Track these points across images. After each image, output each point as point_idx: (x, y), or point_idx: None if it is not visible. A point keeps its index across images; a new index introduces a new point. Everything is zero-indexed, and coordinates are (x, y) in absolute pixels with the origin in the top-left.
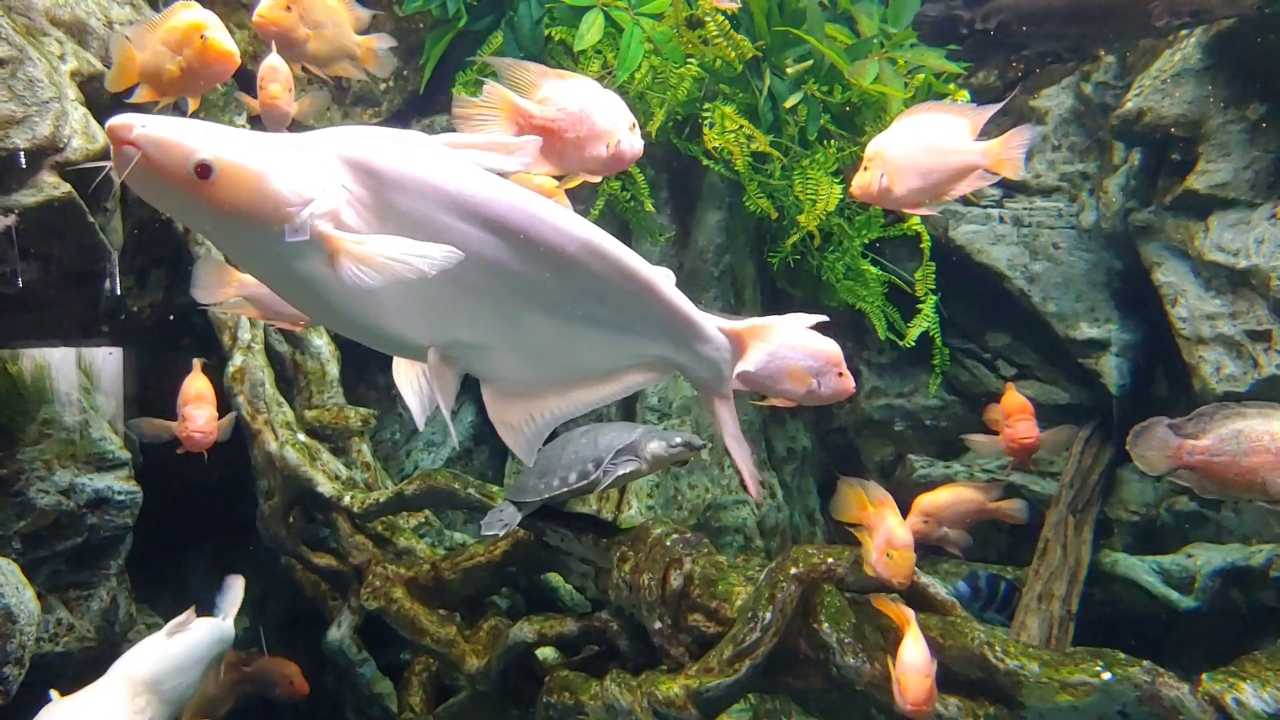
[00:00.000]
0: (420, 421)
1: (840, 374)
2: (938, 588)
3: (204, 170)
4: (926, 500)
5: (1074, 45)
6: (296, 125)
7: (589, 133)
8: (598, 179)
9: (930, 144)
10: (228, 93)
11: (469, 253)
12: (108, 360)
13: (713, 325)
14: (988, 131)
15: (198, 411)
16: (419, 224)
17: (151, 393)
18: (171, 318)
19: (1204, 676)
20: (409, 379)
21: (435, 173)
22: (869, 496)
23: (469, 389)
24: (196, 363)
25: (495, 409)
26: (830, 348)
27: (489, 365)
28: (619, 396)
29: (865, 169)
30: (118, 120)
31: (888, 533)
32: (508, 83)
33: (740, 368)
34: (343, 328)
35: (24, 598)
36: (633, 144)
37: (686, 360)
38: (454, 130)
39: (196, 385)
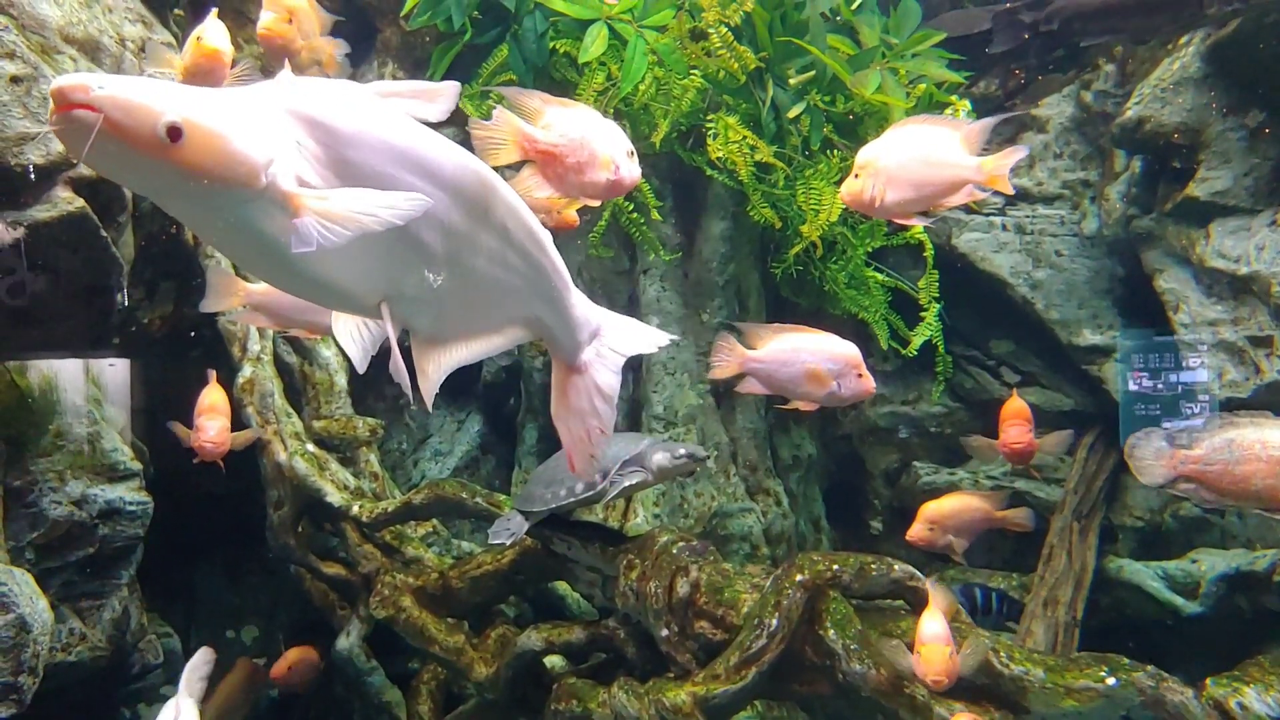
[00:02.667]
0: (362, 367)
1: (860, 375)
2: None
3: (174, 133)
4: (932, 508)
5: (1133, 36)
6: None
7: (589, 158)
8: (597, 203)
9: (925, 156)
10: None
11: None
12: (115, 372)
13: (579, 296)
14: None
15: (210, 423)
16: (373, 178)
17: (161, 404)
18: (182, 330)
19: (1208, 681)
20: (349, 329)
21: (385, 127)
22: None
23: (475, 397)
24: (211, 374)
25: (420, 358)
26: (849, 350)
27: (422, 317)
28: (504, 349)
29: (856, 177)
30: (68, 81)
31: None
32: (515, 109)
33: (626, 351)
34: (295, 287)
35: (38, 608)
36: (631, 171)
37: (555, 322)
38: (461, 143)
39: (210, 397)
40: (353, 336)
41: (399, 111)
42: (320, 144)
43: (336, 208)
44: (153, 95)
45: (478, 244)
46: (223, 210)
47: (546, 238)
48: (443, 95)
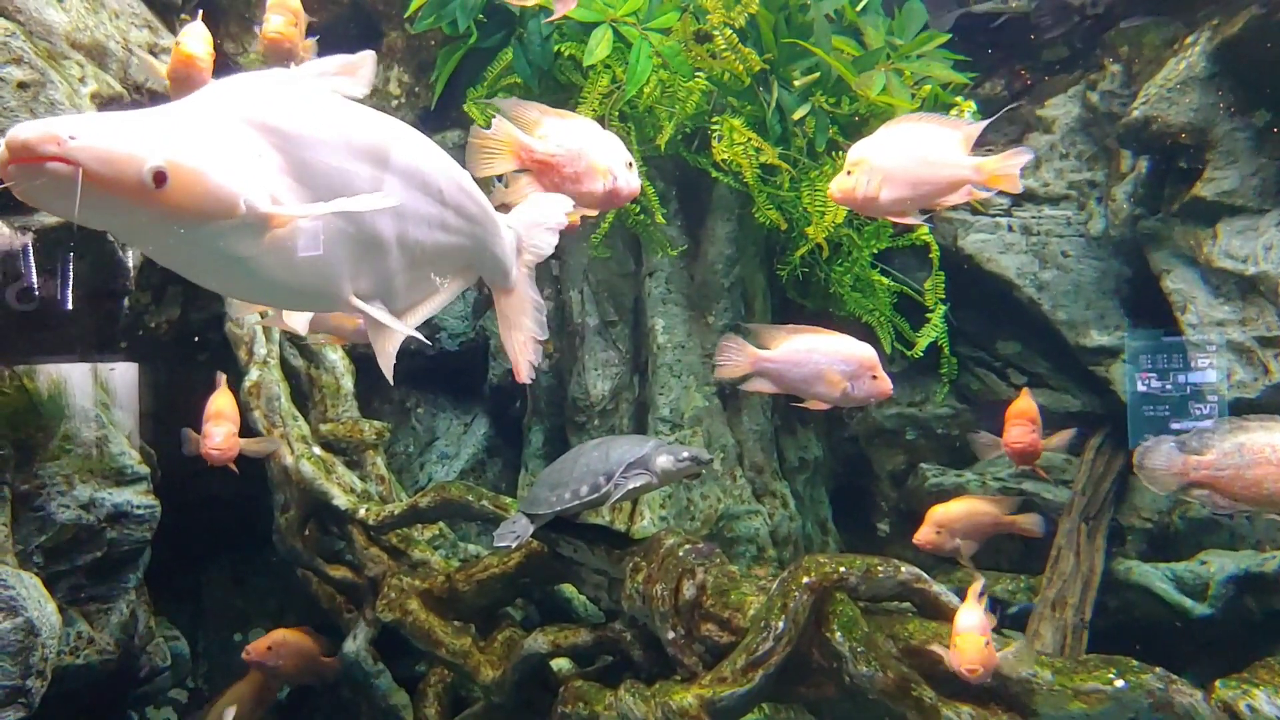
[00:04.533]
0: (304, 329)
1: (874, 377)
2: (950, 596)
3: (160, 178)
4: (939, 512)
5: (1174, 15)
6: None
7: (586, 169)
8: (594, 213)
9: (922, 154)
10: None
11: (370, 193)
12: (122, 376)
13: (501, 221)
14: (992, 139)
15: (216, 429)
16: (330, 175)
17: (169, 408)
18: (189, 333)
19: (1217, 683)
20: (306, 317)
21: (332, 120)
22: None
23: (481, 400)
24: (221, 378)
25: (378, 339)
26: (864, 352)
27: (389, 296)
28: (447, 303)
29: (848, 174)
30: (32, 132)
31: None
32: (513, 119)
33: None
34: (266, 297)
35: (45, 611)
36: (629, 182)
37: (490, 260)
38: (465, 147)
39: (218, 403)
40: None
41: (333, 94)
42: (278, 151)
43: (322, 211)
44: (130, 140)
45: (421, 216)
46: (199, 242)
47: (470, 183)
48: (362, 67)
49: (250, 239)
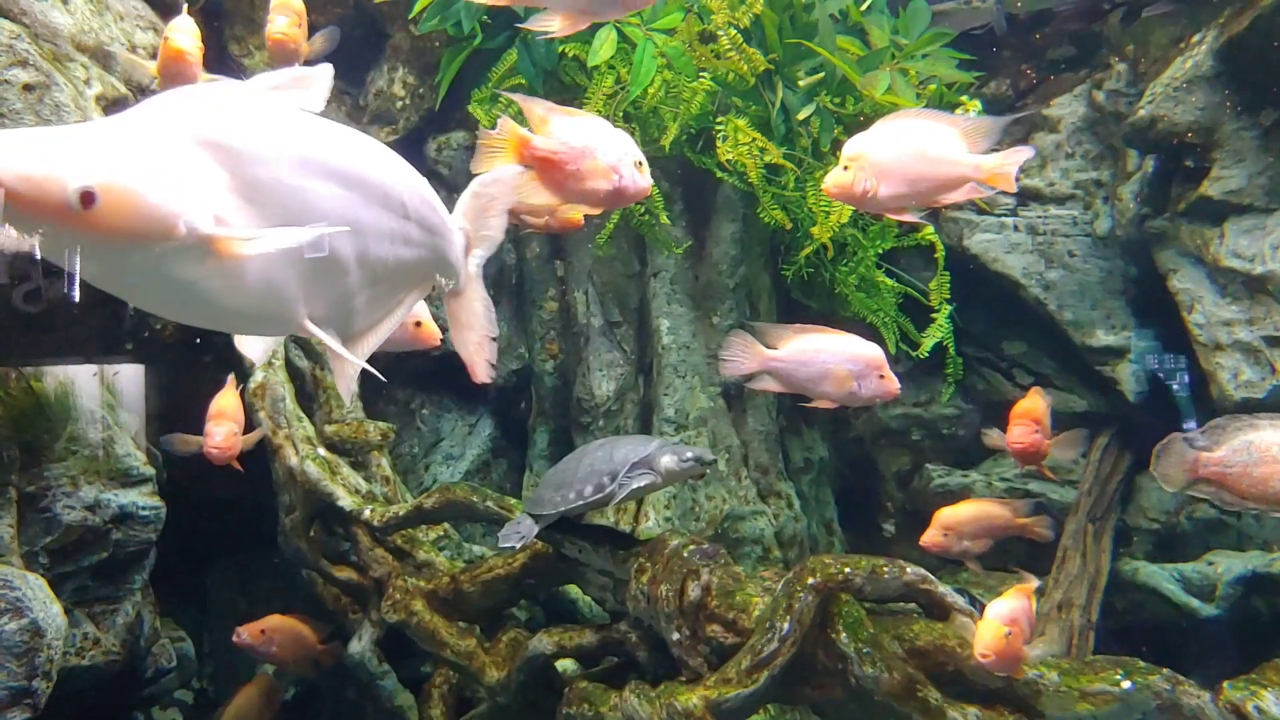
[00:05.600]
0: (261, 359)
1: (881, 377)
2: (956, 598)
3: (87, 199)
4: (947, 514)
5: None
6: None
7: (590, 167)
8: (598, 211)
9: (921, 151)
10: None
11: (330, 214)
12: (128, 377)
13: (454, 224)
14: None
15: (217, 429)
16: (287, 194)
17: (174, 409)
18: (194, 335)
19: (1225, 684)
20: (264, 344)
21: (284, 135)
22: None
23: (486, 401)
24: (230, 379)
25: (338, 361)
26: (871, 352)
27: (346, 318)
28: (405, 317)
29: (845, 169)
30: None
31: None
32: (522, 114)
33: None
34: (213, 322)
35: (51, 612)
36: (636, 180)
37: (447, 268)
38: (473, 149)
39: (221, 402)
40: (267, 351)
41: (288, 107)
42: (227, 169)
43: (267, 246)
44: (55, 159)
45: (383, 232)
46: (137, 265)
47: (431, 192)
48: (317, 81)
49: (193, 262)
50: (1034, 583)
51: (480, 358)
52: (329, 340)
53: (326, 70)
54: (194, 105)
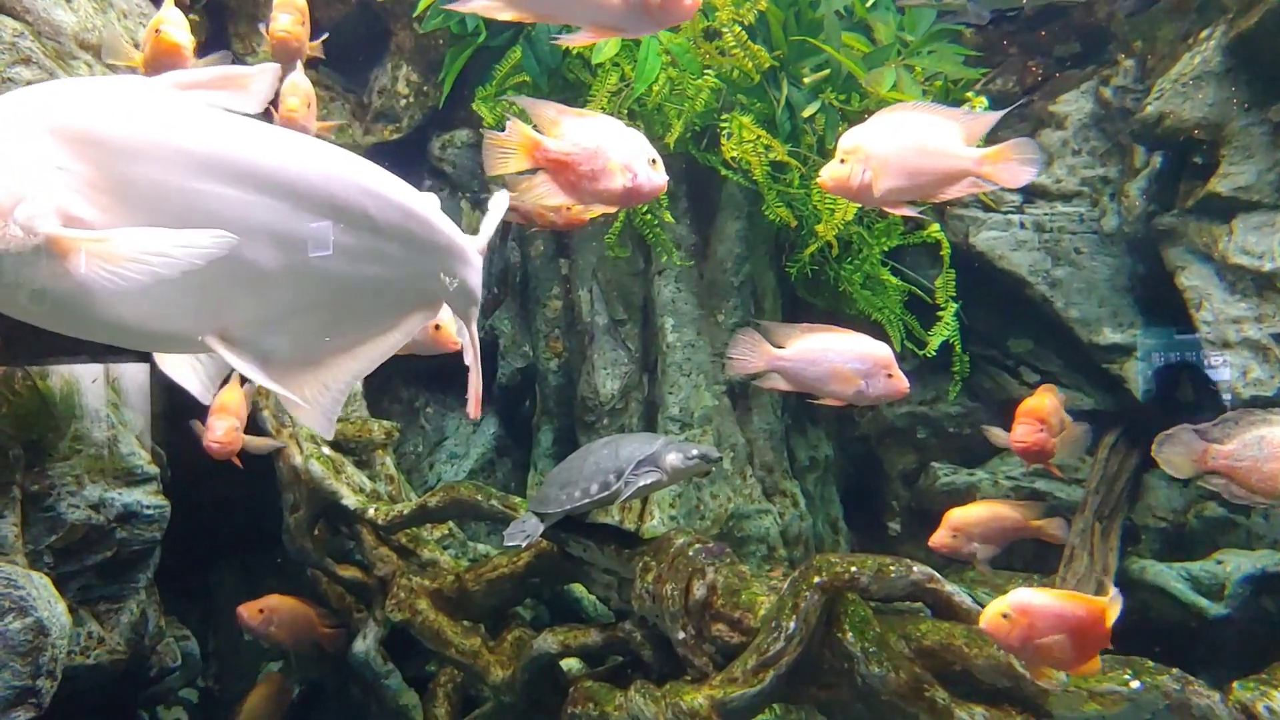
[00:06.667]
0: (205, 396)
1: (890, 376)
2: (963, 597)
3: None
4: (957, 515)
5: None
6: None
7: (603, 167)
8: (613, 210)
9: (920, 144)
10: None
11: (235, 221)
12: (133, 376)
13: (470, 243)
14: (1002, 136)
15: (219, 423)
16: (166, 197)
17: (179, 408)
18: None
19: (1235, 684)
20: (180, 361)
21: (174, 130)
22: None
23: (490, 399)
24: (235, 375)
25: (283, 385)
26: (879, 351)
27: (275, 341)
28: (403, 343)
29: (842, 161)
30: None
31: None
32: (530, 117)
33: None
34: (100, 335)
35: (56, 611)
36: (650, 178)
37: (455, 291)
38: (479, 147)
39: (224, 397)
40: (191, 367)
41: (200, 106)
42: (92, 164)
43: (121, 249)
44: None
45: (338, 246)
46: None
47: (425, 207)
48: (256, 80)
49: (40, 265)
50: (1119, 602)
51: (476, 394)
52: (238, 362)
53: (268, 70)
54: (55, 93)
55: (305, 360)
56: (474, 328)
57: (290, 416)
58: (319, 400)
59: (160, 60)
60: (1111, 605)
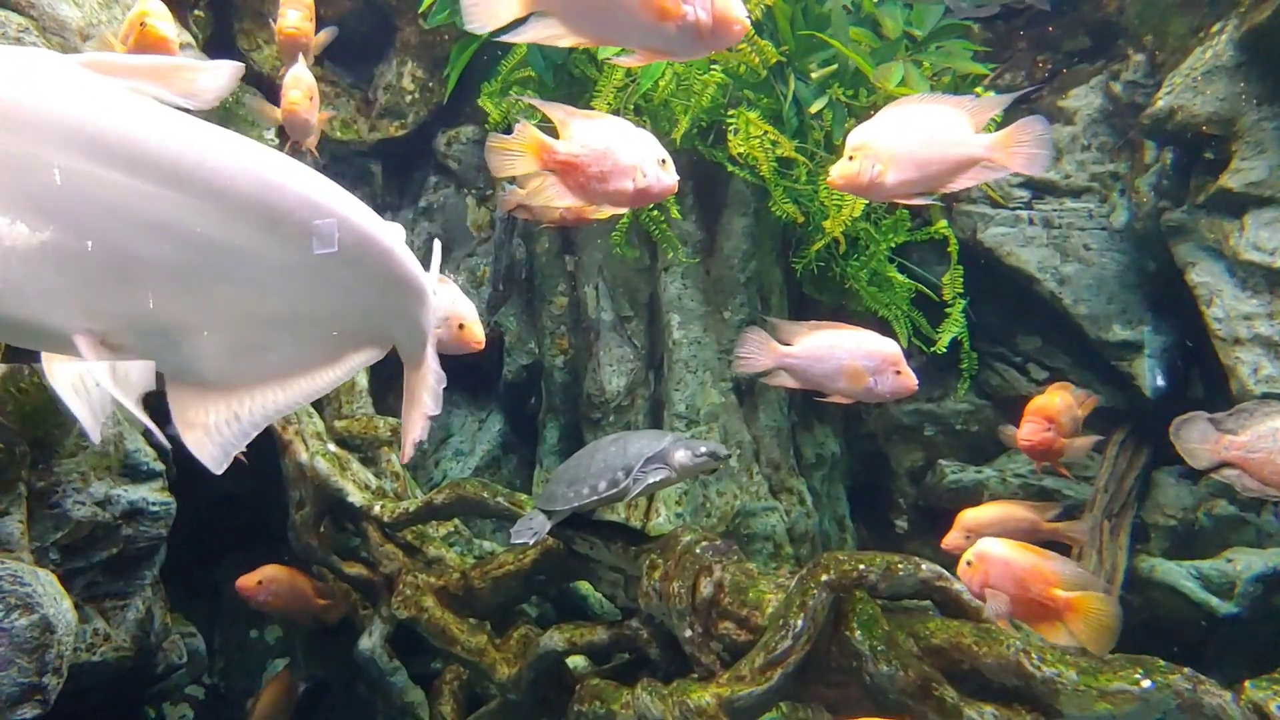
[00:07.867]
0: (95, 435)
1: (898, 373)
2: (970, 594)
3: None
4: (970, 516)
5: None
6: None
7: (613, 168)
8: (624, 211)
9: (928, 135)
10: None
11: (119, 209)
12: (140, 373)
13: (429, 281)
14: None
15: None
16: (30, 169)
17: None
18: None
19: (1246, 683)
20: (69, 379)
21: (58, 102)
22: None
23: (496, 396)
24: None
25: (184, 406)
26: (888, 348)
27: (179, 356)
28: (342, 381)
29: (850, 158)
30: None
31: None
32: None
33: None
34: None
35: (61, 608)
36: (660, 179)
37: (410, 336)
38: (482, 143)
39: None
40: (77, 390)
41: (117, 91)
42: None
43: None
44: None
45: (259, 258)
46: None
47: (392, 237)
48: (206, 76)
49: None
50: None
51: (412, 437)
52: (99, 372)
53: (224, 67)
54: None
55: (219, 383)
56: (425, 370)
57: (295, 414)
58: (222, 429)
59: (147, 52)
60: (1070, 574)
